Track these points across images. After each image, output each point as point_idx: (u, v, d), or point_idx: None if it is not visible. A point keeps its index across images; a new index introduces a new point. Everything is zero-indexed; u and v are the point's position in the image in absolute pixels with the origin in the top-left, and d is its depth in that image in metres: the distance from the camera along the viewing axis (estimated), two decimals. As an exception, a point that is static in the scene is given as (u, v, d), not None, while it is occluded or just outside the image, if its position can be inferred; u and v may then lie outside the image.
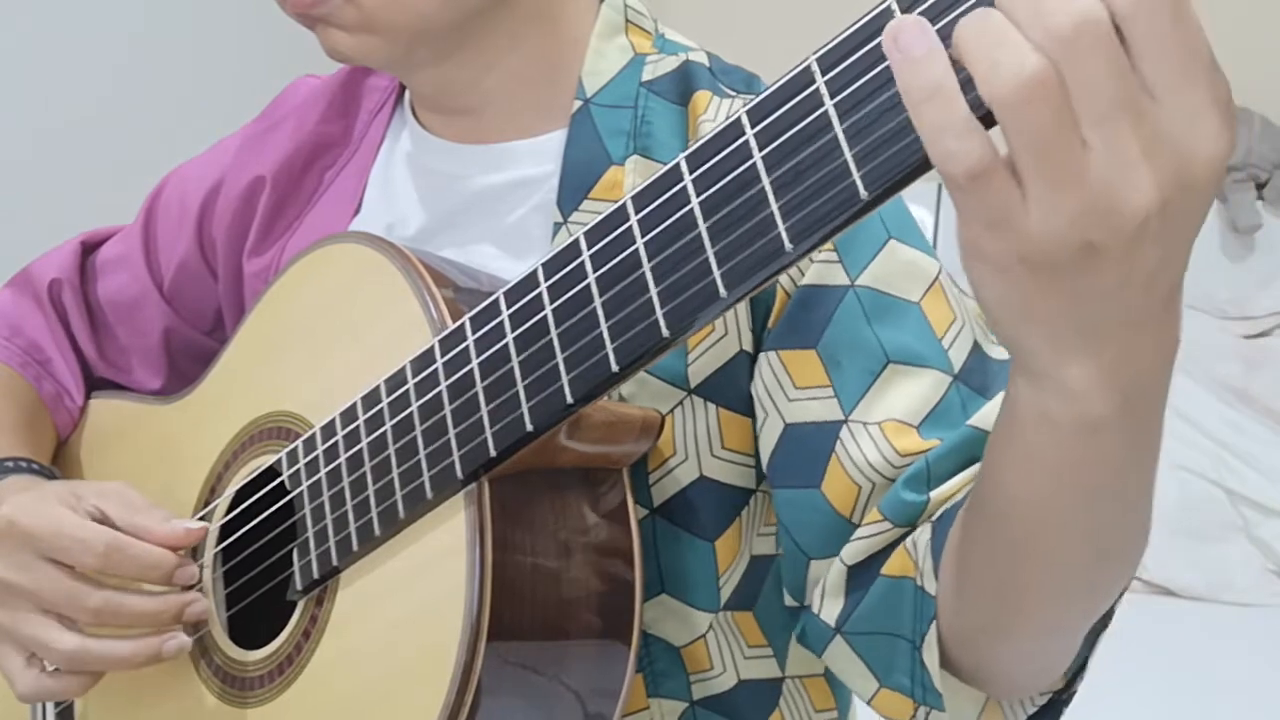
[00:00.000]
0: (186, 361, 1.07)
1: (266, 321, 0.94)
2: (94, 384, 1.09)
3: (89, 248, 1.10)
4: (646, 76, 0.87)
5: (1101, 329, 0.52)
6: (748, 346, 0.83)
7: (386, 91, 0.99)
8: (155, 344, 1.07)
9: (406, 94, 0.97)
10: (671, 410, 0.83)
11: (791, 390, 0.81)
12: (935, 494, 0.76)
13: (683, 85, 0.86)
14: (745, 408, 0.84)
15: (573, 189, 0.85)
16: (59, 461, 1.07)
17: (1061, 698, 0.74)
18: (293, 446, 0.85)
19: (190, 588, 0.87)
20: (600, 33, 0.88)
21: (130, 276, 1.07)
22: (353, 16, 0.82)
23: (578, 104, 0.86)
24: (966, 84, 0.49)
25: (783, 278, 0.81)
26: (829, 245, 0.80)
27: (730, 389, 0.84)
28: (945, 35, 0.50)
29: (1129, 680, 1.63)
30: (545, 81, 0.88)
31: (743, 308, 0.83)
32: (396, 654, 0.77)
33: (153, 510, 0.87)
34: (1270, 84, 2.83)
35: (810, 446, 0.80)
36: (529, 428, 0.72)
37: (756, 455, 0.85)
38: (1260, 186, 2.79)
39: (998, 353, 0.82)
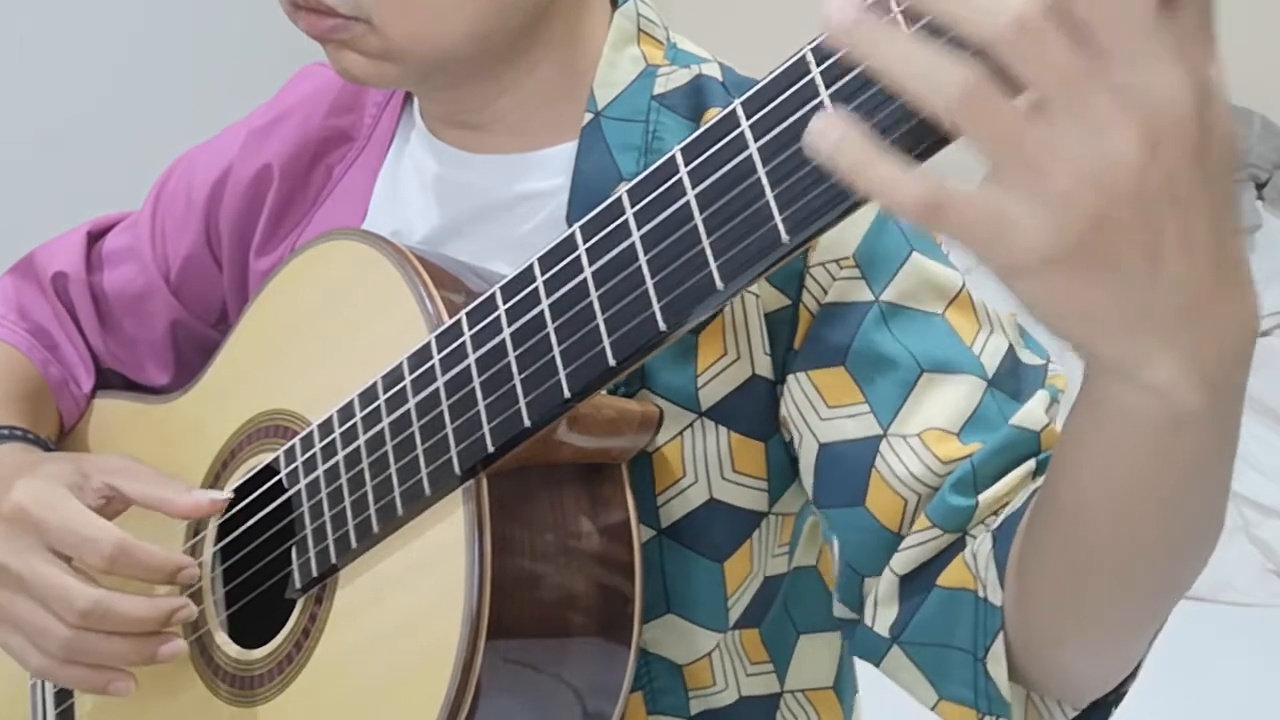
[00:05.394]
0: (193, 353, 1.06)
1: (265, 318, 0.93)
2: (102, 373, 1.08)
3: (95, 236, 1.09)
4: (658, 90, 0.85)
5: (1166, 315, 0.50)
6: (763, 371, 0.82)
7: None
8: (162, 336, 1.06)
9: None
10: (680, 433, 0.83)
11: (824, 410, 0.80)
12: (983, 498, 0.75)
13: (695, 100, 0.85)
14: (759, 432, 0.83)
15: (582, 204, 0.83)
16: (59, 457, 1.06)
17: (1109, 699, 0.73)
18: (290, 444, 0.85)
19: (189, 588, 0.87)
20: (613, 42, 0.86)
21: (137, 268, 1.06)
22: (375, 45, 0.80)
23: (589, 116, 0.85)
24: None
25: (805, 298, 0.81)
26: (850, 261, 0.79)
27: (744, 413, 0.83)
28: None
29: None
30: (558, 98, 0.87)
31: (757, 331, 0.82)
32: (396, 652, 0.77)
33: (168, 481, 0.87)
34: (1270, 84, 2.82)
35: (849, 464, 0.79)
36: (526, 423, 0.71)
37: (769, 478, 0.84)
38: (1260, 186, 2.79)
39: (1030, 358, 0.81)
